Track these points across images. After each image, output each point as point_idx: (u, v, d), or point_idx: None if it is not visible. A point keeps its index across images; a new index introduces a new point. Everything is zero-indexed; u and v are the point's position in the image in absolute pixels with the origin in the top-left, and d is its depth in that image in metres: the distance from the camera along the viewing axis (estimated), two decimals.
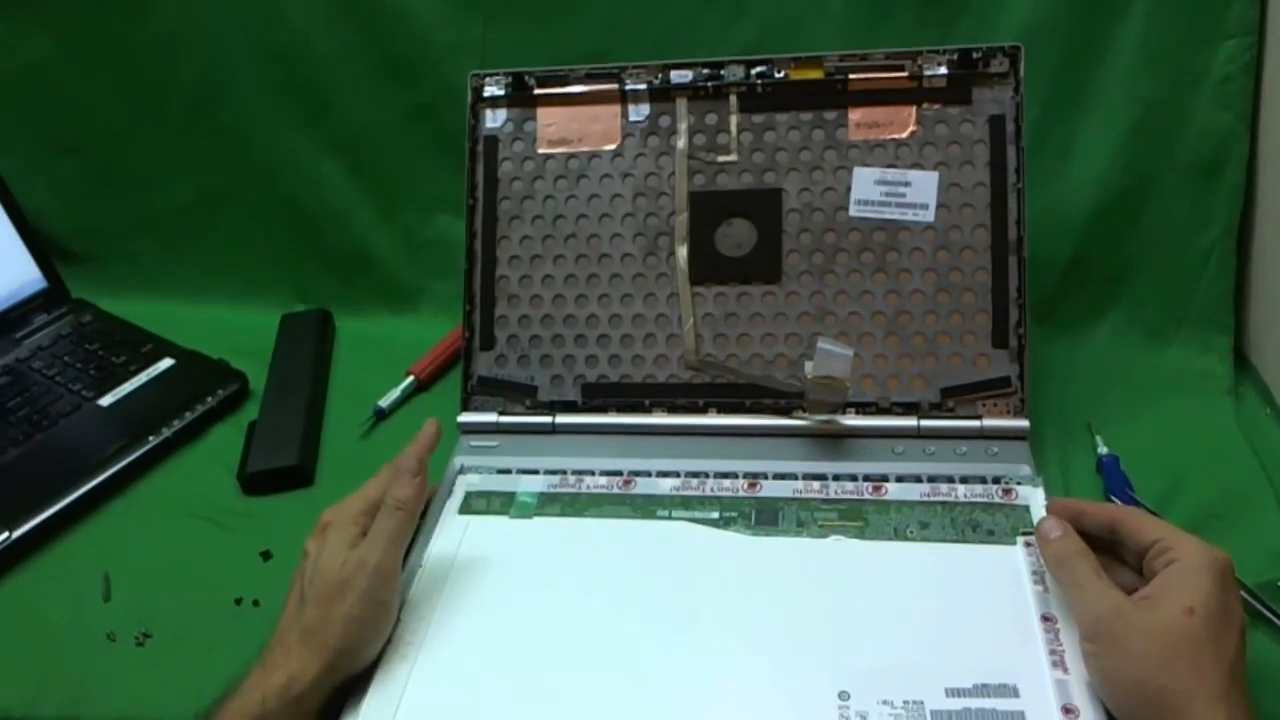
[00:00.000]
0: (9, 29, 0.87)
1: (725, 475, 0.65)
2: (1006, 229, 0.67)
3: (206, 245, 0.92)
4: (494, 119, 0.74)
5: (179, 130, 0.89)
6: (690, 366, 0.71)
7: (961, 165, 0.68)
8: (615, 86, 0.72)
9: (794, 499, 0.63)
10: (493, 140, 0.74)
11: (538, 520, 0.64)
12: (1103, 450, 0.67)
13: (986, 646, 0.52)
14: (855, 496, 0.63)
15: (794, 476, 0.65)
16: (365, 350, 0.86)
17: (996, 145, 0.68)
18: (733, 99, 0.71)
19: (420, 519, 0.61)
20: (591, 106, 0.73)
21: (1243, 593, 0.54)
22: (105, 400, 0.78)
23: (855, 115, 0.70)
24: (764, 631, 0.55)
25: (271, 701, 0.50)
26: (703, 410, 0.70)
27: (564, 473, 0.67)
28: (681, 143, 0.71)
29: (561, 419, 0.71)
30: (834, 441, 0.68)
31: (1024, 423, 0.66)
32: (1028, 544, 0.58)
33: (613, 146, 0.72)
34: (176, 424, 0.76)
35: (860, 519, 0.61)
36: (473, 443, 0.71)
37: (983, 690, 0.50)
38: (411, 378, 0.80)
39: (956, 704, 0.50)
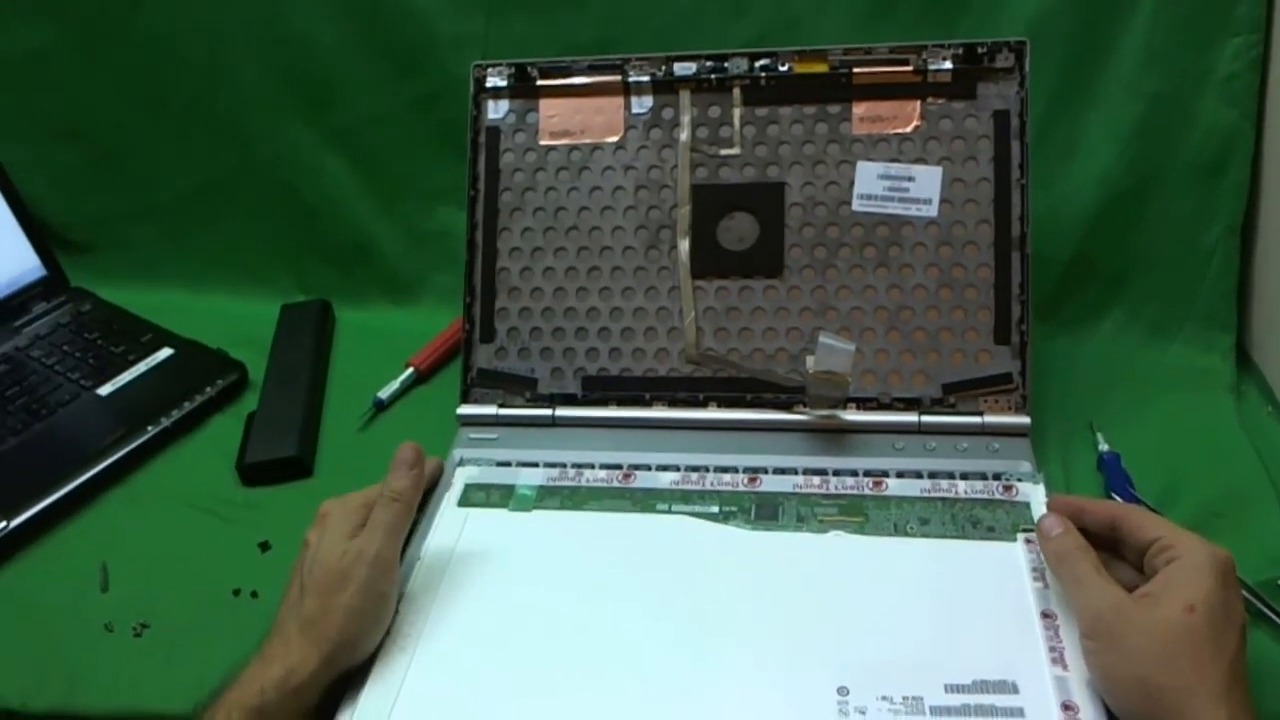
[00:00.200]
0: (9, 16, 0.87)
1: (725, 469, 0.65)
2: (1010, 225, 0.67)
3: (206, 234, 0.92)
4: (496, 110, 0.74)
5: (180, 119, 0.88)
6: (691, 360, 0.71)
7: (965, 160, 0.68)
8: (618, 78, 0.72)
9: (794, 494, 0.63)
10: (495, 131, 0.73)
11: (537, 513, 0.64)
12: (1104, 447, 0.67)
13: (986, 643, 0.52)
14: (855, 492, 0.63)
15: (794, 471, 0.65)
16: (365, 341, 0.85)
17: (1001, 140, 0.68)
18: (736, 92, 0.71)
19: (419, 511, 0.61)
20: (594, 98, 0.72)
21: (1243, 591, 0.54)
22: (104, 390, 0.78)
23: (859, 109, 0.69)
24: (763, 626, 0.54)
25: (270, 693, 0.50)
26: (703, 404, 0.70)
27: (563, 466, 0.67)
28: (684, 135, 0.71)
29: (561, 412, 0.71)
30: (834, 436, 0.67)
31: (1025, 419, 0.66)
32: (1028, 541, 0.58)
33: (615, 138, 0.72)
34: (175, 414, 0.75)
35: (860, 514, 0.61)
36: (472, 435, 0.71)
37: (982, 686, 0.50)
38: (411, 369, 0.80)
39: (956, 700, 0.50)
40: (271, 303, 0.87)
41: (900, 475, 0.64)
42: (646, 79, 0.71)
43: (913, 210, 0.68)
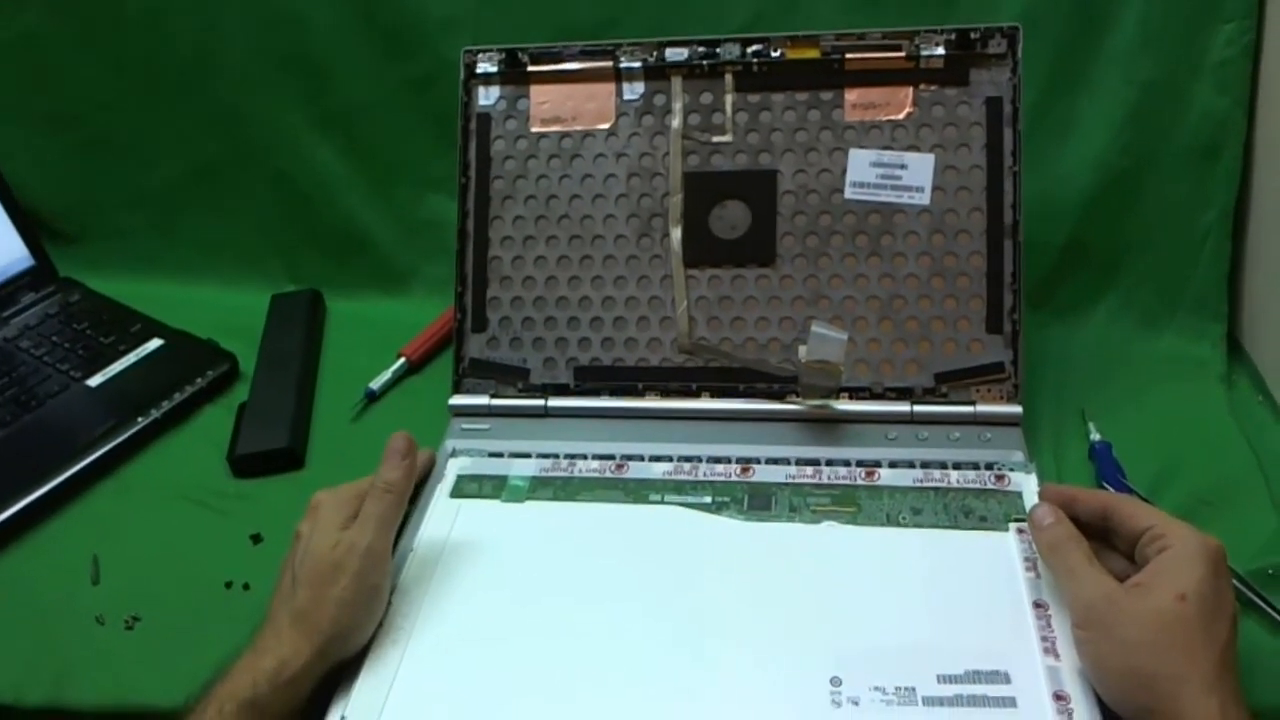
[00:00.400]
0: None
1: (718, 460, 0.65)
2: (1002, 212, 0.67)
3: (196, 224, 0.91)
4: (487, 96, 0.73)
5: (169, 106, 0.87)
6: (683, 350, 0.70)
7: (958, 147, 0.68)
8: (610, 64, 0.71)
9: (787, 484, 0.63)
10: (485, 118, 0.73)
11: (529, 504, 0.64)
12: (1095, 437, 0.67)
13: (978, 633, 0.52)
14: (848, 482, 0.63)
15: (787, 461, 0.65)
16: (356, 331, 0.85)
17: (993, 127, 0.67)
18: (728, 78, 0.70)
19: (411, 502, 0.60)
20: (586, 84, 0.72)
21: (1234, 580, 0.54)
22: (93, 381, 0.78)
23: (851, 96, 0.69)
24: (756, 617, 0.55)
25: (262, 685, 0.50)
26: (696, 394, 0.70)
27: (556, 456, 0.67)
28: (676, 122, 0.71)
29: (554, 402, 0.71)
30: (827, 426, 0.67)
31: (1017, 409, 0.66)
32: (1020, 530, 0.58)
33: (607, 125, 0.72)
34: (165, 405, 0.75)
35: (853, 504, 0.61)
36: (464, 426, 0.71)
37: (974, 676, 0.50)
38: (403, 359, 0.79)
39: (948, 690, 0.50)
40: (262, 293, 0.87)
41: (893, 465, 0.64)
42: (638, 65, 0.71)
43: (905, 198, 0.68)
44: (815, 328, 0.64)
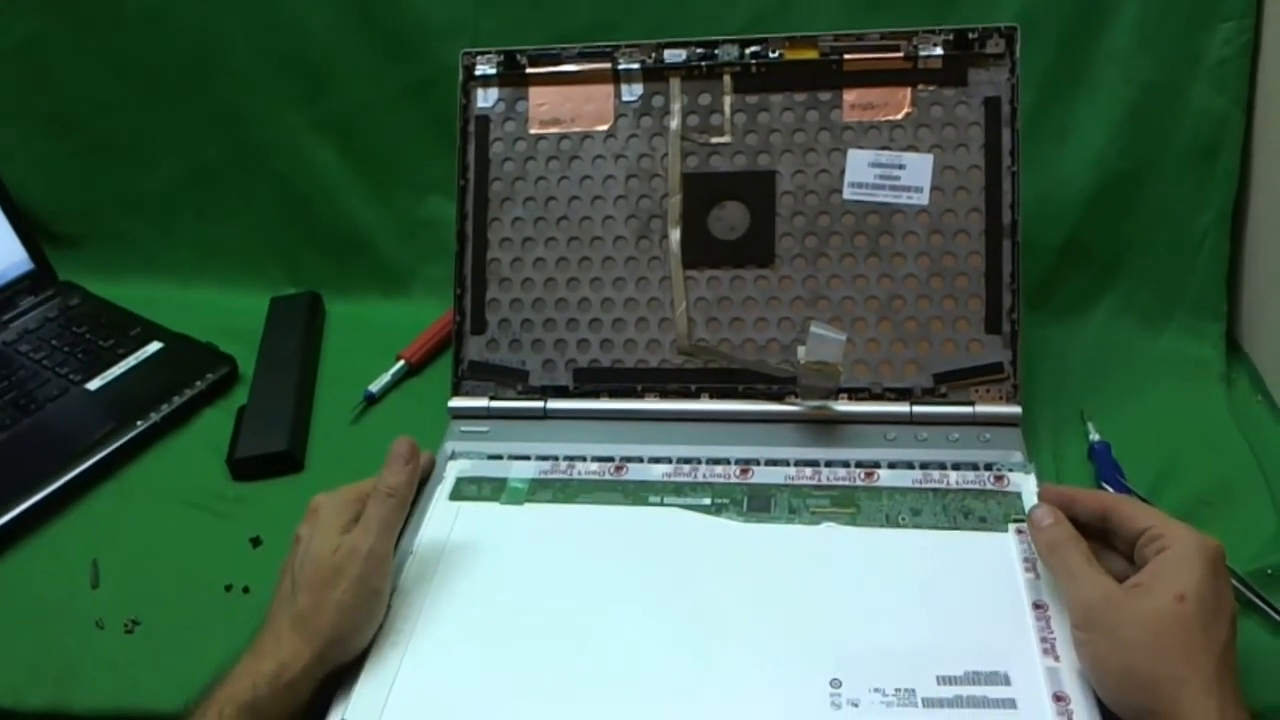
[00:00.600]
0: None
1: (717, 461, 0.65)
2: (1001, 213, 0.67)
3: (195, 226, 0.91)
4: (485, 98, 0.73)
5: (169, 109, 0.87)
6: (683, 351, 0.70)
7: (956, 148, 0.68)
8: (608, 66, 0.71)
9: (786, 485, 0.63)
10: (484, 120, 0.73)
11: (529, 506, 0.64)
12: (1094, 437, 0.67)
13: (978, 634, 0.52)
14: (847, 483, 0.63)
15: (786, 463, 0.65)
16: (355, 334, 0.85)
17: (992, 127, 0.67)
18: (727, 79, 0.70)
19: (411, 505, 0.60)
20: (584, 86, 0.72)
21: (1234, 580, 0.54)
22: (93, 384, 0.78)
23: (850, 96, 0.69)
24: (756, 618, 0.55)
25: (262, 689, 0.50)
26: (695, 395, 0.70)
27: (555, 458, 0.67)
28: (675, 123, 0.71)
29: (553, 404, 0.71)
30: (826, 427, 0.67)
31: (1016, 409, 0.66)
32: (1019, 531, 0.58)
33: (605, 127, 0.72)
34: (165, 408, 0.75)
35: (852, 505, 0.61)
36: (463, 428, 0.71)
37: (974, 678, 0.50)
38: (402, 362, 0.79)
39: (948, 691, 0.50)
40: (261, 295, 0.87)
41: (892, 466, 0.64)
42: (636, 66, 0.71)
43: (904, 198, 0.68)
44: (814, 328, 0.64)
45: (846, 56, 0.69)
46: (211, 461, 0.72)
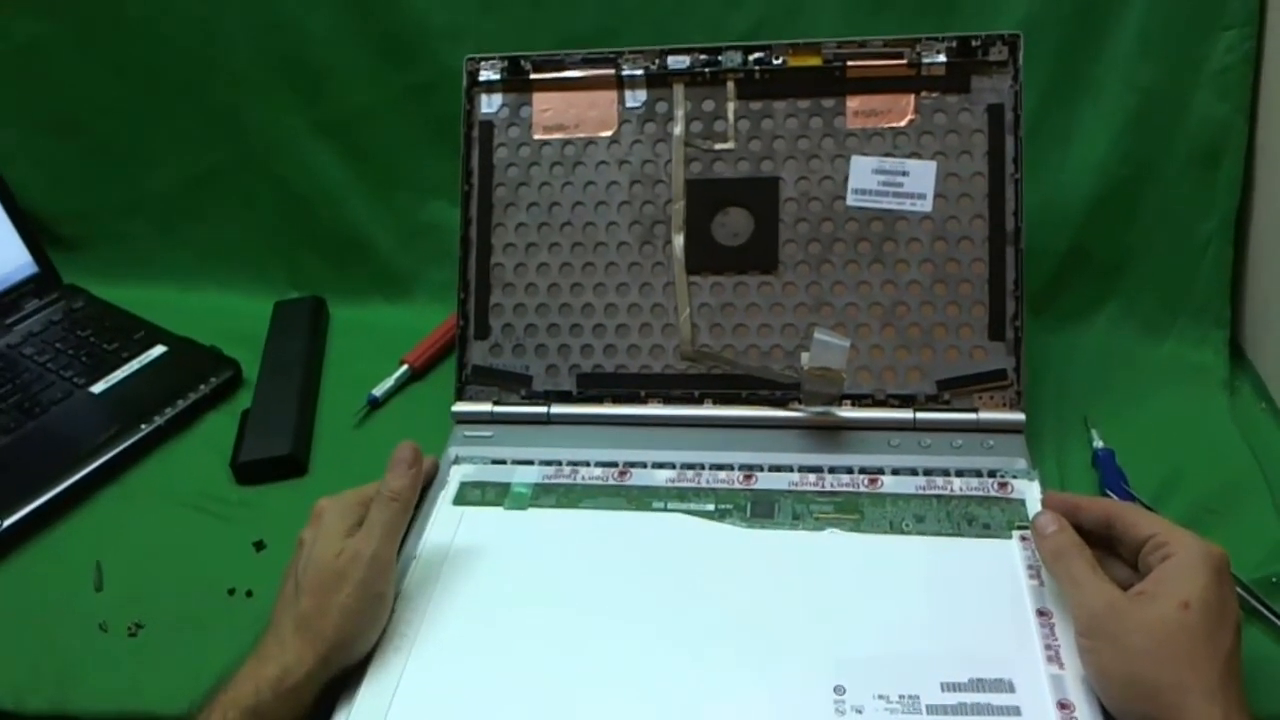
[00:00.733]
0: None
1: (721, 467, 0.65)
2: (1004, 219, 0.67)
3: (199, 230, 0.91)
4: (489, 104, 0.73)
5: (172, 112, 0.88)
6: (686, 357, 0.70)
7: (959, 155, 0.68)
8: (612, 72, 0.71)
9: (790, 491, 0.63)
10: (488, 125, 0.73)
11: (532, 511, 0.64)
12: (1098, 444, 0.67)
13: (982, 641, 0.52)
14: (851, 489, 0.63)
15: (790, 469, 0.65)
16: (359, 338, 0.85)
17: (995, 134, 0.67)
18: (730, 85, 0.70)
19: (415, 510, 0.60)
20: (588, 92, 0.72)
21: (1238, 588, 0.54)
22: (97, 387, 0.78)
23: (853, 103, 0.69)
24: (759, 624, 0.54)
25: (265, 693, 0.50)
26: (698, 401, 0.70)
27: (559, 463, 0.67)
28: (678, 129, 0.71)
29: (556, 409, 0.71)
30: (830, 434, 0.67)
31: (1020, 416, 0.66)
32: (1023, 538, 0.58)
33: (609, 133, 0.72)
34: (169, 412, 0.75)
35: (856, 512, 0.61)
36: (467, 433, 0.71)
37: (978, 685, 0.50)
38: (406, 366, 0.79)
39: (952, 698, 0.50)
40: (265, 300, 0.87)
41: (895, 472, 0.64)
42: (640, 73, 0.71)
43: (907, 205, 0.68)
44: (818, 335, 0.64)
45: (850, 63, 0.69)
46: (215, 465, 0.72)
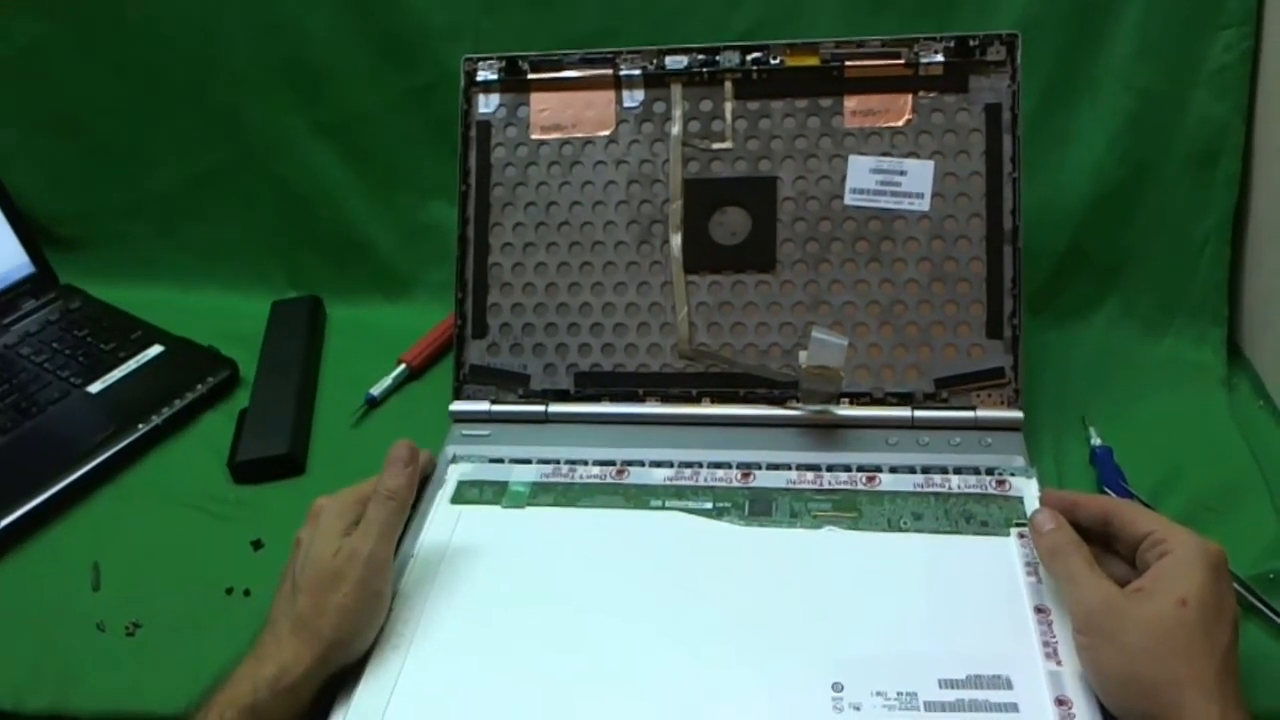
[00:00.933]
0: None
1: (719, 465, 0.65)
2: (1002, 219, 0.67)
3: (197, 230, 0.91)
4: (487, 104, 0.73)
5: (170, 113, 0.87)
6: (684, 356, 0.71)
7: (957, 154, 0.68)
8: (610, 72, 0.71)
9: (787, 489, 0.63)
10: (486, 125, 0.73)
11: (530, 510, 0.64)
12: (1096, 442, 0.67)
13: (980, 638, 0.52)
14: (849, 487, 0.63)
15: (788, 467, 0.65)
16: (357, 337, 0.85)
17: (993, 134, 0.67)
18: (728, 85, 0.70)
19: (412, 508, 0.60)
20: (586, 92, 0.72)
21: (1235, 585, 0.54)
22: (94, 387, 0.78)
23: (851, 103, 0.69)
24: (757, 622, 0.54)
25: (263, 692, 0.50)
26: (696, 400, 0.70)
27: (557, 462, 0.67)
28: (676, 129, 0.71)
29: (554, 408, 0.71)
30: (828, 432, 0.67)
31: (1018, 414, 0.66)
32: (1021, 535, 0.58)
33: (607, 133, 0.72)
34: (166, 412, 0.75)
35: (854, 510, 0.61)
36: (465, 432, 0.71)
37: (976, 681, 0.50)
38: (403, 366, 0.79)
39: (950, 695, 0.50)
40: (262, 299, 0.87)
41: (893, 470, 0.64)
42: (638, 73, 0.71)
43: (905, 204, 0.68)
44: (815, 333, 0.64)
45: (848, 63, 0.69)
46: (212, 464, 0.72)
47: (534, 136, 0.72)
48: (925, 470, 0.63)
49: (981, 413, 0.67)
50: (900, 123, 0.69)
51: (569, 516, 0.63)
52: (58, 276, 0.89)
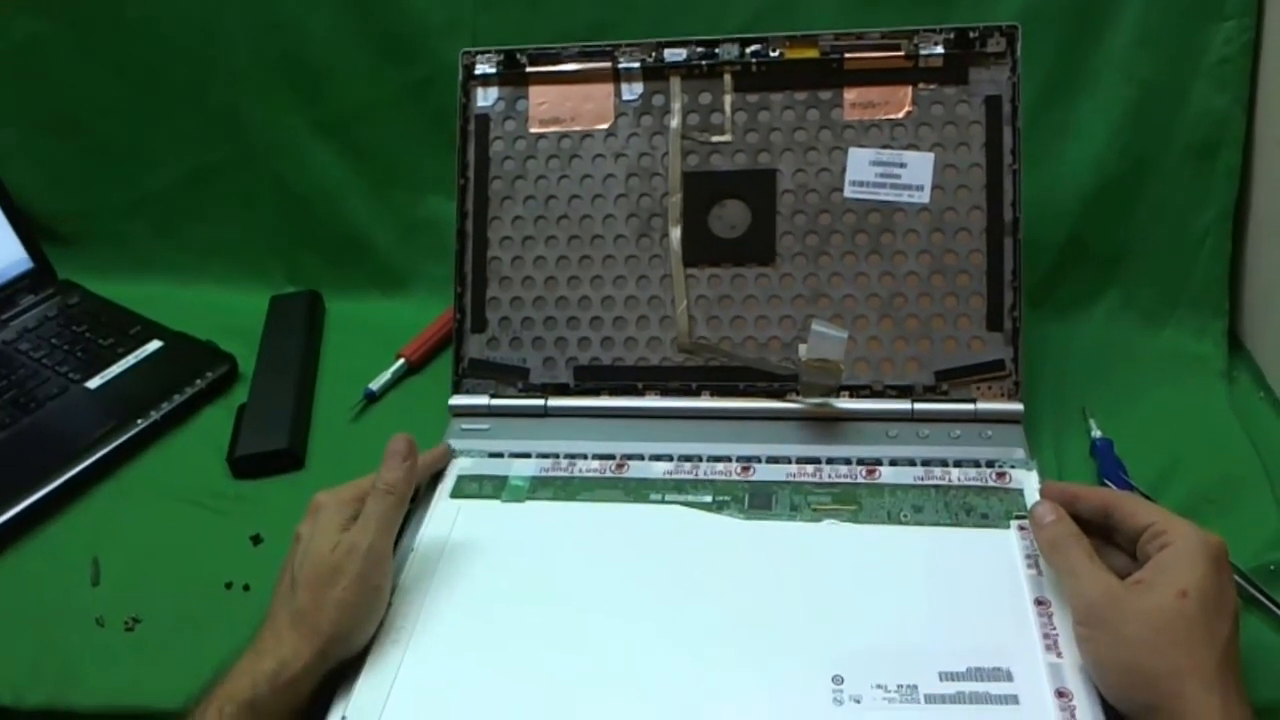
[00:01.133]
0: None
1: (718, 459, 0.65)
2: (1002, 211, 0.67)
3: (196, 226, 0.91)
4: (485, 98, 0.73)
5: (169, 109, 0.87)
6: (683, 349, 0.70)
7: (957, 146, 0.68)
8: (608, 65, 0.71)
9: (787, 483, 0.63)
10: (484, 119, 0.73)
11: (530, 504, 0.64)
12: (1097, 434, 0.67)
13: (980, 630, 0.52)
14: (849, 480, 0.63)
15: (787, 460, 0.64)
16: (356, 332, 0.85)
17: (993, 126, 0.67)
18: (727, 78, 0.70)
19: (411, 503, 0.60)
20: (584, 85, 0.72)
21: (1236, 576, 0.54)
22: (93, 383, 0.78)
23: (850, 95, 0.69)
24: (757, 616, 0.54)
25: (262, 686, 0.50)
26: (696, 393, 0.70)
27: (556, 456, 0.66)
28: (675, 122, 0.71)
29: (554, 402, 0.71)
30: (828, 425, 0.67)
31: (1018, 406, 0.66)
32: (1021, 528, 0.58)
33: (606, 126, 0.72)
34: (165, 407, 0.75)
35: (854, 503, 0.61)
36: (464, 426, 0.71)
37: (976, 674, 0.50)
38: (402, 360, 0.79)
39: (950, 688, 0.50)
40: (261, 294, 0.87)
41: (893, 463, 0.63)
42: (636, 65, 0.71)
43: (905, 196, 0.68)
44: (815, 326, 0.64)
45: (847, 55, 0.69)
46: (212, 459, 0.72)
47: (532, 130, 0.72)
48: (925, 463, 0.63)
49: (982, 405, 0.66)
50: (900, 115, 0.68)
51: (569, 511, 0.63)
52: (56, 272, 0.89)
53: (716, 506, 0.62)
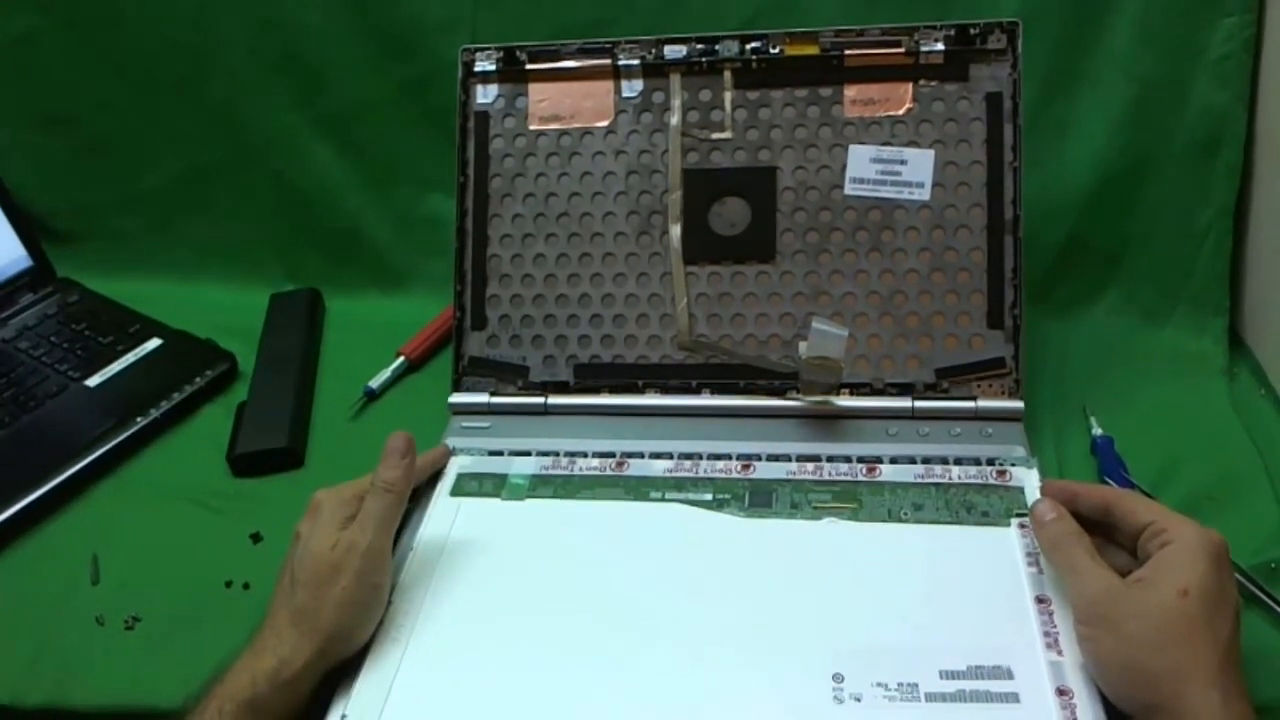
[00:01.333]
0: None
1: (719, 457, 0.65)
2: (1003, 208, 0.67)
3: (195, 223, 0.91)
4: (485, 95, 0.73)
5: (167, 107, 0.87)
6: (683, 347, 0.70)
7: (958, 143, 0.68)
8: (608, 62, 0.71)
9: (788, 480, 0.63)
10: (484, 116, 0.73)
11: (530, 502, 0.63)
12: (1097, 432, 0.66)
13: (981, 628, 0.52)
14: (849, 478, 0.63)
15: (788, 458, 0.64)
16: (355, 330, 0.85)
17: (993, 123, 0.67)
18: (727, 75, 0.70)
19: (411, 501, 0.60)
20: (584, 82, 0.72)
21: (1237, 574, 0.54)
22: (92, 381, 0.77)
23: (851, 92, 0.69)
24: (757, 614, 0.54)
25: (262, 685, 0.50)
26: (696, 391, 0.70)
27: (556, 454, 0.66)
28: (675, 119, 0.71)
29: (554, 400, 0.71)
30: (828, 423, 0.67)
31: (1019, 404, 0.66)
32: (1022, 526, 0.58)
33: (605, 123, 0.71)
34: (165, 405, 0.75)
35: (854, 501, 0.61)
36: (464, 424, 0.71)
37: (977, 672, 0.50)
38: (402, 358, 0.79)
39: (950, 686, 0.50)
40: (261, 292, 0.87)
41: (894, 461, 0.63)
42: (636, 63, 0.71)
43: (905, 194, 0.68)
44: (816, 324, 0.64)
45: (848, 52, 0.68)
46: (211, 458, 0.72)
47: (532, 127, 0.72)
48: (926, 461, 0.63)
49: (982, 403, 0.66)
50: (900, 112, 0.68)
51: (569, 508, 0.63)
52: (55, 270, 0.89)
53: (717, 504, 0.62)
